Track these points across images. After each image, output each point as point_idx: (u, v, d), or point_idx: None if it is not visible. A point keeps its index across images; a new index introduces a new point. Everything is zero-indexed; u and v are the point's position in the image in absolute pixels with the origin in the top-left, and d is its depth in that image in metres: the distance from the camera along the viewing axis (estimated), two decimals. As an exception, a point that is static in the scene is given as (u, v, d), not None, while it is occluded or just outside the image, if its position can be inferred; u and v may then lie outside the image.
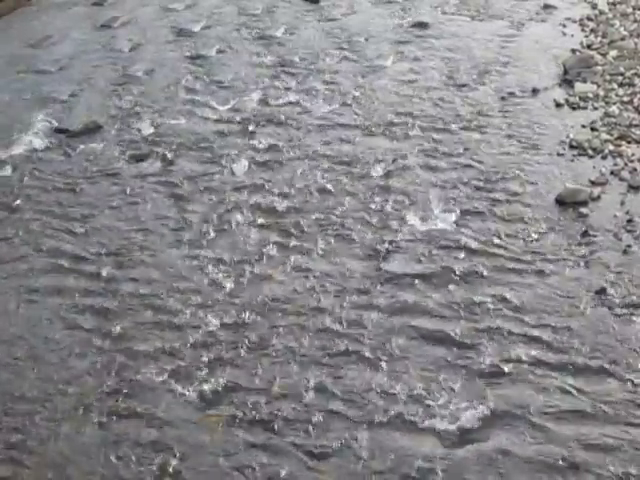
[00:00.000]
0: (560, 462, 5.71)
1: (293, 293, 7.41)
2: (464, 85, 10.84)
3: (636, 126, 9.52)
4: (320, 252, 7.89)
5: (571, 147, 9.26)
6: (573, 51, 11.48)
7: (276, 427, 6.10)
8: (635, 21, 12.25)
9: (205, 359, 6.75)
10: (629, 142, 9.25)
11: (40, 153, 10.01)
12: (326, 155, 9.44)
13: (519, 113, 10.06)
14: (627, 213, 8.12)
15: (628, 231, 7.87)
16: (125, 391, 6.52)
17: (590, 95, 10.30)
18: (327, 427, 6.09)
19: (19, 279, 7.89)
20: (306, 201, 8.64)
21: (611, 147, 9.18)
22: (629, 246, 7.68)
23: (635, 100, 10.06)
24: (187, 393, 6.44)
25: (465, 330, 6.86)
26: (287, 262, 7.79)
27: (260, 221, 8.38)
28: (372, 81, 11.14)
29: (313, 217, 8.37)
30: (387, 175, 8.98)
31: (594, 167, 8.90)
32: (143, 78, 11.79)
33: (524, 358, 6.54)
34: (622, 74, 10.70)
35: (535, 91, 10.53)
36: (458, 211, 8.30)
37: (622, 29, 12.03)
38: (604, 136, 9.40)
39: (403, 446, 5.92)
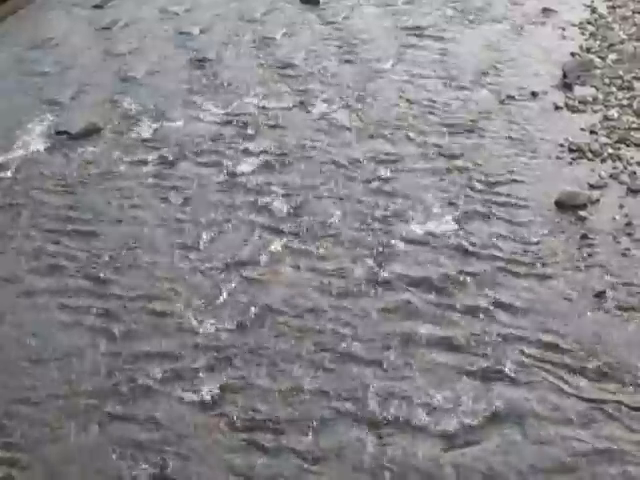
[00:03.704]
0: (558, 464, 5.74)
1: (293, 296, 7.41)
2: (464, 88, 10.87)
3: (635, 129, 9.55)
4: (320, 255, 7.91)
5: (570, 150, 9.28)
6: (572, 55, 11.51)
7: (276, 429, 6.11)
8: (634, 25, 12.30)
9: (205, 361, 6.76)
10: (628, 145, 9.28)
11: (40, 155, 10.00)
12: (326, 158, 9.46)
13: (518, 116, 10.09)
14: (626, 216, 8.14)
15: (627, 234, 7.90)
16: (125, 393, 6.53)
17: (589, 98, 10.33)
18: (327, 429, 6.11)
19: (18, 281, 7.88)
20: (306, 204, 8.66)
21: (610, 150, 9.21)
22: (628, 249, 7.71)
23: (634, 103, 10.09)
24: (187, 395, 6.45)
25: (465, 333, 6.88)
26: (287, 265, 7.81)
27: (260, 223, 8.39)
28: (372, 84, 11.16)
29: (313, 220, 8.38)
30: (387, 178, 9.00)
31: (593, 170, 8.92)
32: (143, 80, 11.79)
33: (524, 361, 6.56)
34: (621, 77, 10.74)
35: (534, 94, 10.56)
36: (458, 214, 8.32)
37: (621, 33, 12.09)
38: (603, 139, 9.43)
39: (404, 448, 5.93)
